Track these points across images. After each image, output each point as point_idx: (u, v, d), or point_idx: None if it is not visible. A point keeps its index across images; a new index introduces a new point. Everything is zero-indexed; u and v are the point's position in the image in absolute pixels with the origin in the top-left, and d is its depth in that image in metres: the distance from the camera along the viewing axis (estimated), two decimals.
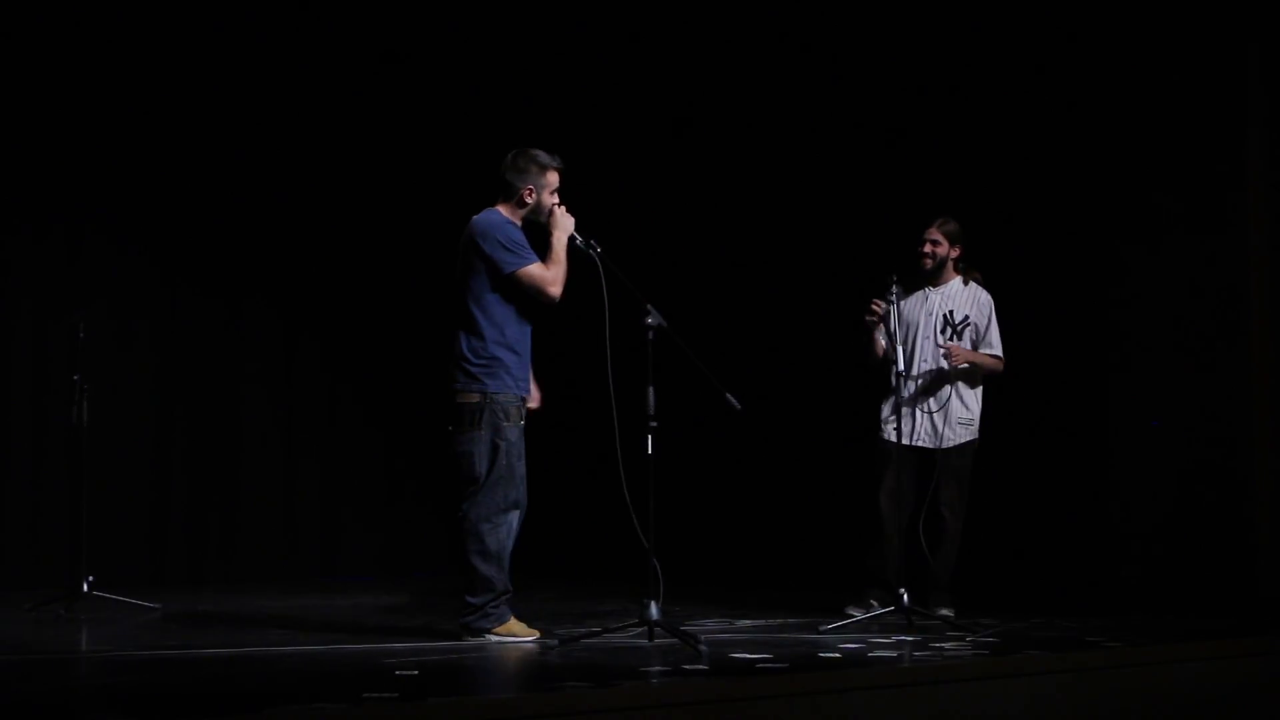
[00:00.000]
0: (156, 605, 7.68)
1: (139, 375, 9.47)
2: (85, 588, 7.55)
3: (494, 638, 6.26)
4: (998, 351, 7.44)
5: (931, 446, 7.38)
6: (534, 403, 6.50)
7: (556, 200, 6.40)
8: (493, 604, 6.29)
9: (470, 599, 6.30)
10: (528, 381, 6.41)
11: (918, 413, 7.36)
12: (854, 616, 6.99)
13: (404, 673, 5.24)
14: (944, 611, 7.20)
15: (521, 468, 6.35)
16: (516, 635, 6.29)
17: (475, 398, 6.28)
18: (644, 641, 6.01)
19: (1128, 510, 8.07)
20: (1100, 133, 8.23)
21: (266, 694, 4.93)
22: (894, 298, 7.20)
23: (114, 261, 9.41)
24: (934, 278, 7.52)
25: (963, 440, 7.41)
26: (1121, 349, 8.14)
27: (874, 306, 7.23)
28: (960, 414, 7.39)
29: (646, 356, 6.08)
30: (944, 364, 7.34)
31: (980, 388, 7.47)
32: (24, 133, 9.06)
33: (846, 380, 8.29)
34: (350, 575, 9.96)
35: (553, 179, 6.40)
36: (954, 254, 7.50)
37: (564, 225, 6.34)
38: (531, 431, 6.47)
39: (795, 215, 9.51)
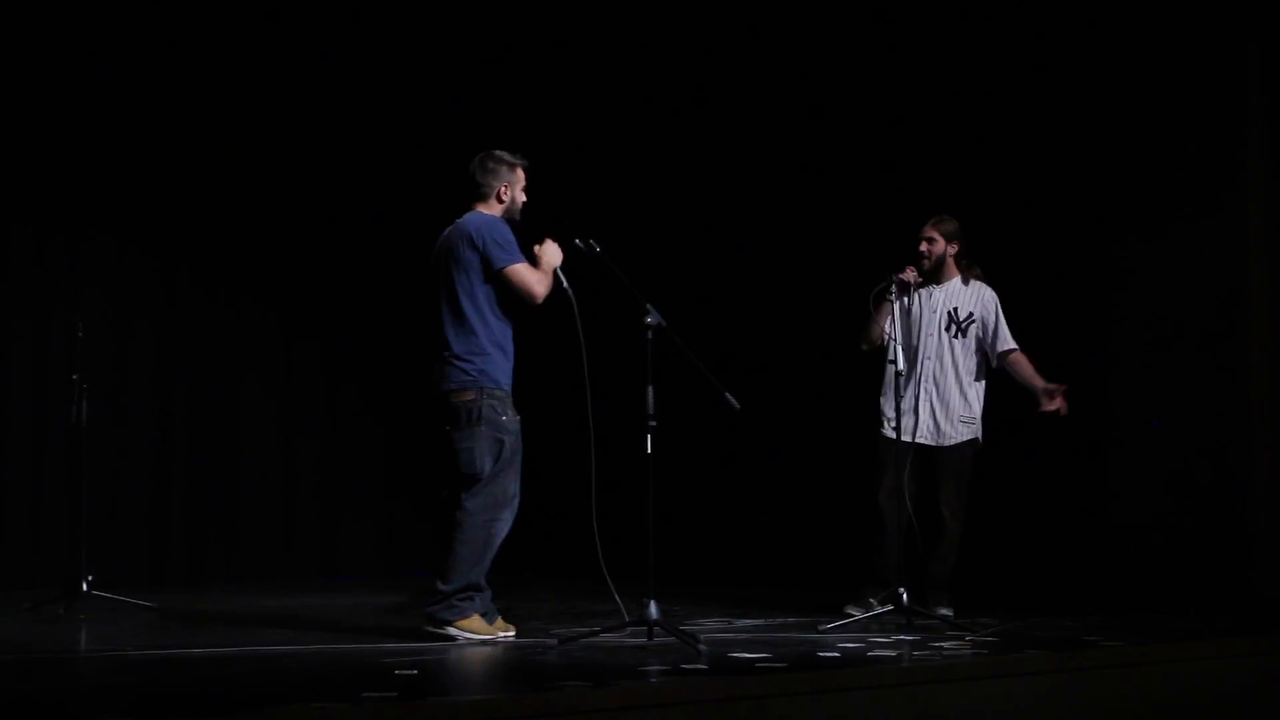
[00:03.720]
0: (156, 605, 7.68)
1: (139, 375, 9.48)
2: (85, 587, 7.55)
3: (454, 631, 6.22)
4: (1012, 345, 7.44)
5: (932, 444, 7.38)
6: None
7: (524, 198, 6.52)
8: (461, 596, 6.27)
9: (441, 585, 6.27)
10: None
11: (919, 410, 7.36)
12: (854, 616, 6.98)
13: (404, 673, 5.24)
14: (943, 611, 7.20)
15: (519, 460, 6.37)
16: (477, 633, 6.24)
17: (472, 395, 6.31)
18: (643, 641, 6.01)
19: (1127, 509, 8.06)
20: (1100, 131, 8.22)
21: (266, 694, 4.93)
22: (893, 297, 7.19)
23: (114, 261, 9.41)
24: (934, 276, 7.51)
25: (963, 438, 7.40)
26: (1121, 348, 8.14)
27: (906, 274, 7.21)
28: (961, 412, 7.39)
29: (646, 356, 6.08)
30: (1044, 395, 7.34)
31: (982, 384, 7.46)
32: (24, 132, 9.06)
33: (846, 378, 8.28)
34: (350, 575, 9.96)
35: (521, 175, 6.54)
36: (952, 250, 7.49)
37: (552, 260, 6.40)
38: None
39: (794, 213, 9.50)
